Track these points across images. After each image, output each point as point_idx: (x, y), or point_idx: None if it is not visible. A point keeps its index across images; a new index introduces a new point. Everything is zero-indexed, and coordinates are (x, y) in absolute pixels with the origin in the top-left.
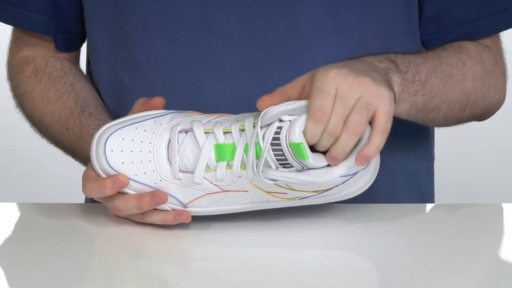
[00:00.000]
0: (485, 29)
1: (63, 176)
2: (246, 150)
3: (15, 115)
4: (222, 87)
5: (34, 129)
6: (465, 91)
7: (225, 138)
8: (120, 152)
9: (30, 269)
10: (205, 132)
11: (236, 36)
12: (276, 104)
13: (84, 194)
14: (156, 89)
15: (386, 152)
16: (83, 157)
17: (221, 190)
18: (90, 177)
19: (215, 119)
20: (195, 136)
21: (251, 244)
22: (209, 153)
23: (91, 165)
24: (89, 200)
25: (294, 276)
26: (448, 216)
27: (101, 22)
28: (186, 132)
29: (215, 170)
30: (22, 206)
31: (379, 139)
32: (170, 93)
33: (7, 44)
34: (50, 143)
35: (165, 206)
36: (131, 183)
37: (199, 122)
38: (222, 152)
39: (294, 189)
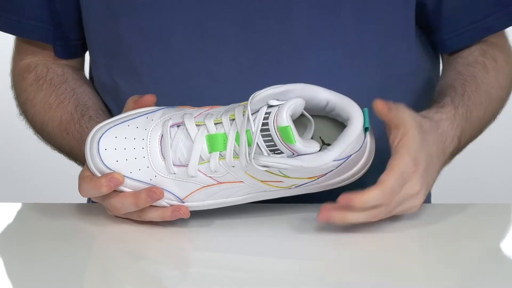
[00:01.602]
0: (500, 23)
1: (63, 176)
2: (237, 139)
3: (15, 115)
4: (218, 90)
5: (37, 136)
6: (500, 106)
7: (217, 129)
8: (113, 150)
9: (30, 268)
10: (197, 125)
11: (231, 39)
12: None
13: (80, 194)
14: (152, 93)
15: (386, 153)
16: (84, 160)
17: (216, 182)
18: (86, 177)
19: (206, 111)
20: (186, 129)
21: (249, 246)
22: (201, 145)
23: (87, 165)
24: (91, 200)
25: (292, 277)
26: (448, 216)
27: (97, 28)
28: (178, 126)
29: (209, 161)
30: (22, 206)
31: (357, 216)
32: (166, 96)
33: (9, 51)
34: (54, 149)
35: (162, 202)
36: (127, 180)
37: (190, 115)
38: (214, 143)
39: (288, 176)
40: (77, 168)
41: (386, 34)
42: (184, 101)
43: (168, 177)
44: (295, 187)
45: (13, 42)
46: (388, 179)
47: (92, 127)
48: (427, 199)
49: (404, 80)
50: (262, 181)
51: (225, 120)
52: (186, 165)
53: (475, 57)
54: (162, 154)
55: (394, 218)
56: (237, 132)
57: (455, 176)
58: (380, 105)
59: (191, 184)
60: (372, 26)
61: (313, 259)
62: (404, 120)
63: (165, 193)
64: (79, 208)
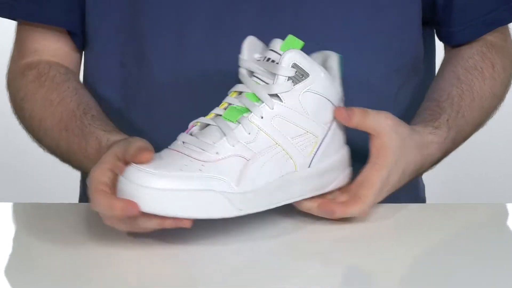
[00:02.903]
0: (507, 16)
1: (63, 176)
2: (249, 96)
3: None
4: (229, 80)
5: (31, 136)
6: (491, 115)
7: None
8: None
9: (29, 268)
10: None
11: (245, 30)
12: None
13: (91, 206)
14: (163, 81)
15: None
16: (81, 156)
17: (252, 153)
18: (100, 191)
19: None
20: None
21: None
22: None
23: (99, 172)
24: (85, 200)
25: (292, 276)
26: (448, 216)
27: (109, 15)
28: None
29: (239, 125)
30: (22, 206)
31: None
32: (177, 86)
33: (8, 52)
34: (47, 151)
35: (219, 198)
36: (175, 183)
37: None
38: (232, 115)
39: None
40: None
41: (395, 27)
42: (195, 91)
43: (217, 157)
44: (312, 162)
45: (11, 44)
46: (369, 195)
47: (95, 123)
48: (421, 193)
49: (408, 72)
50: (291, 137)
51: (230, 99)
52: (223, 137)
53: (475, 61)
54: (200, 148)
55: (393, 217)
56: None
57: (454, 176)
58: (339, 113)
59: (234, 160)
60: (381, 19)
61: (313, 258)
62: (382, 130)
63: (218, 183)
64: (79, 208)
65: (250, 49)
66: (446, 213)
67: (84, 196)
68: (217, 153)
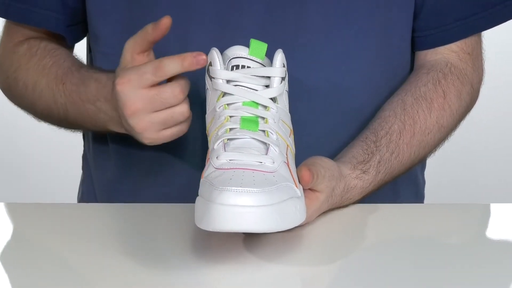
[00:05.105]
0: (485, 22)
1: (63, 176)
2: (250, 104)
3: (16, 115)
4: None
5: (24, 107)
6: (437, 145)
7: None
8: None
9: (29, 268)
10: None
11: (248, 29)
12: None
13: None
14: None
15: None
16: (80, 101)
17: (284, 155)
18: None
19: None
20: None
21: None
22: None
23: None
24: (84, 199)
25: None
26: (447, 216)
27: (110, 16)
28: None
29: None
30: (22, 206)
31: None
32: None
33: None
34: (41, 116)
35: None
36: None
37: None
38: (249, 124)
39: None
40: (76, 169)
41: (396, 25)
42: (200, 89)
43: (276, 166)
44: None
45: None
46: None
47: (94, 70)
48: (421, 191)
49: (401, 71)
50: (287, 136)
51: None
52: (269, 146)
53: (427, 90)
54: (257, 161)
55: (393, 217)
56: (244, 102)
57: (455, 176)
58: (305, 176)
59: (284, 164)
60: (382, 16)
61: (313, 258)
62: (320, 189)
63: (294, 189)
64: (79, 208)
65: (219, 60)
66: (446, 213)
67: (84, 196)
68: (273, 162)
